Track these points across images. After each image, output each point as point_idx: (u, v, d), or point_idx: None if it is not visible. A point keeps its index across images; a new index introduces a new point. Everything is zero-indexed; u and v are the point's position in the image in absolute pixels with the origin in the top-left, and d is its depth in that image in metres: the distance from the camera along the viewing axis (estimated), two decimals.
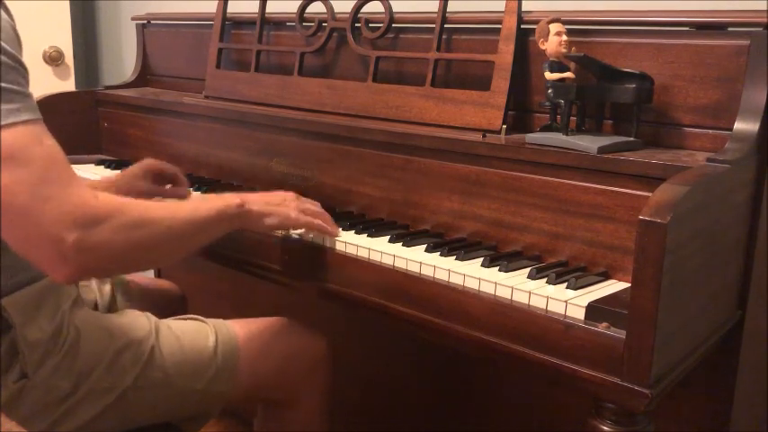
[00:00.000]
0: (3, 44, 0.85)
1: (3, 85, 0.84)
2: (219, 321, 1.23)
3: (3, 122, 0.83)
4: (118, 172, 1.52)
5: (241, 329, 1.23)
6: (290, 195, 1.21)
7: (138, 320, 1.15)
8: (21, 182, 0.83)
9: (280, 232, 1.26)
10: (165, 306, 1.46)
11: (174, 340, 1.15)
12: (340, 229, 1.25)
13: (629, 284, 0.91)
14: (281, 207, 1.17)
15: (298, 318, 1.31)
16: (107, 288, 1.34)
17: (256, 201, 1.14)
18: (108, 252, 0.89)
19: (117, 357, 1.08)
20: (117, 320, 1.14)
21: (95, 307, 1.29)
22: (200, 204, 1.06)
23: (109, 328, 1.11)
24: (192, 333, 1.18)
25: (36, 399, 1.02)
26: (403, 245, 1.18)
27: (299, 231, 1.25)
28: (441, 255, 1.13)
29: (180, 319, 1.23)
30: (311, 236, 1.24)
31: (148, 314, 1.19)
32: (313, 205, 1.24)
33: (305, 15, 1.61)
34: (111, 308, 1.30)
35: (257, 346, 1.21)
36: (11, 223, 0.85)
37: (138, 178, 1.41)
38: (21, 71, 0.88)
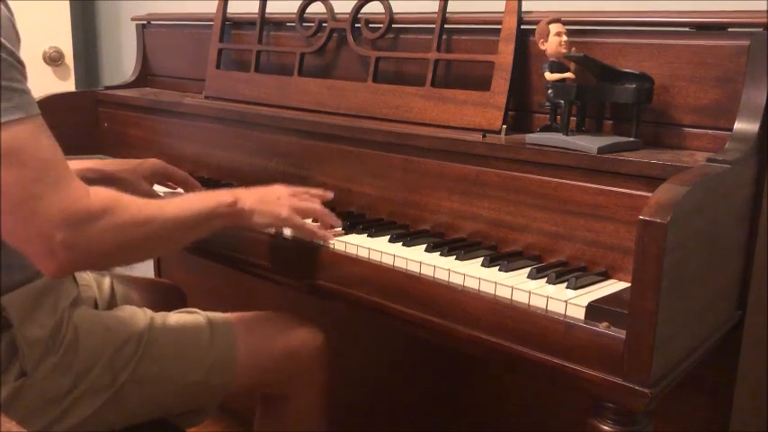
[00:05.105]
0: (2, 41, 0.85)
1: (1, 83, 0.84)
2: (215, 313, 1.23)
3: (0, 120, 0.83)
4: (121, 159, 1.50)
5: (238, 321, 1.23)
6: (285, 192, 1.20)
7: (135, 315, 1.16)
8: (14, 179, 0.84)
9: (274, 230, 1.26)
10: (165, 304, 1.46)
11: (168, 332, 1.15)
12: (340, 227, 1.24)
13: (629, 284, 0.91)
14: (274, 205, 1.17)
15: (297, 317, 1.31)
16: (106, 285, 1.34)
17: (249, 198, 1.14)
18: (97, 249, 0.91)
19: (116, 354, 1.08)
20: (115, 317, 1.15)
21: (95, 305, 1.29)
22: (193, 202, 1.08)
23: (107, 326, 1.11)
24: (186, 325, 1.18)
25: (35, 397, 1.02)
26: (403, 245, 1.18)
27: (289, 232, 1.25)
28: (441, 255, 1.13)
29: (175, 312, 1.23)
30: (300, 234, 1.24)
31: (145, 309, 1.19)
32: (311, 200, 1.23)
33: (305, 16, 1.61)
34: (111, 304, 1.30)
35: (255, 339, 1.21)
36: (4, 218, 0.86)
37: (144, 178, 1.41)
38: (19, 68, 0.88)
